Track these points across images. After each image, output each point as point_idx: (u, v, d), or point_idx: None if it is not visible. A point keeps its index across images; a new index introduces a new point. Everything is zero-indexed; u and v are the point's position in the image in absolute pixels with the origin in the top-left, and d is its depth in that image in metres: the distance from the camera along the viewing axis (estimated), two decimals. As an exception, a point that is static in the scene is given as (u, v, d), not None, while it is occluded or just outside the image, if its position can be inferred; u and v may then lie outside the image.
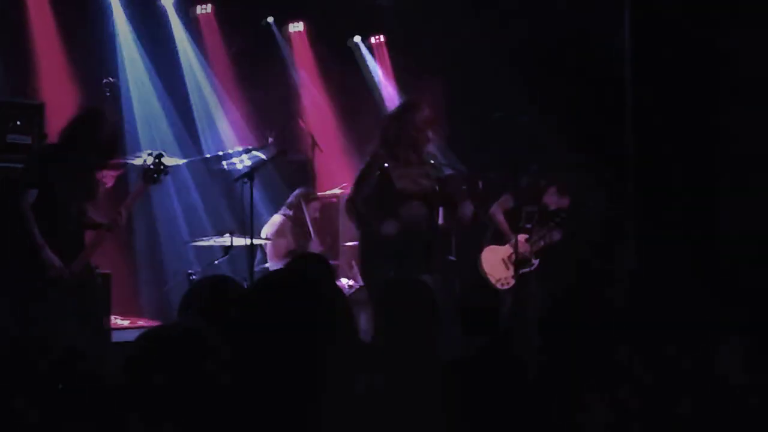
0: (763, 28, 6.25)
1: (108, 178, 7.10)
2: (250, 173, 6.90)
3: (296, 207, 8.12)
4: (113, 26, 8.31)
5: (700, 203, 6.71)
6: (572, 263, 7.07)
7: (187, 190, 8.62)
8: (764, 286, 5.45)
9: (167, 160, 5.72)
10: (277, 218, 8.13)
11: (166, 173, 5.69)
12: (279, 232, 8.00)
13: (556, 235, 7.25)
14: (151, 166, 5.60)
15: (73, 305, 5.30)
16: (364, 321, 7.20)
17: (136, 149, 7.49)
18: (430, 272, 6.23)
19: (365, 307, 7.19)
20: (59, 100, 7.40)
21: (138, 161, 6.50)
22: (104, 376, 2.88)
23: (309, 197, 8.18)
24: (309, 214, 8.07)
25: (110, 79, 7.53)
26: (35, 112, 6.48)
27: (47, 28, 7.80)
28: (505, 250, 7.31)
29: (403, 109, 6.37)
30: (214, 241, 7.37)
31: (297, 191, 8.23)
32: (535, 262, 7.28)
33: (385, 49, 10.09)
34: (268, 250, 7.98)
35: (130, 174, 7.35)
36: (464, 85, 8.56)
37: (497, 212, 7.40)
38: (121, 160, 7.18)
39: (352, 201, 6.25)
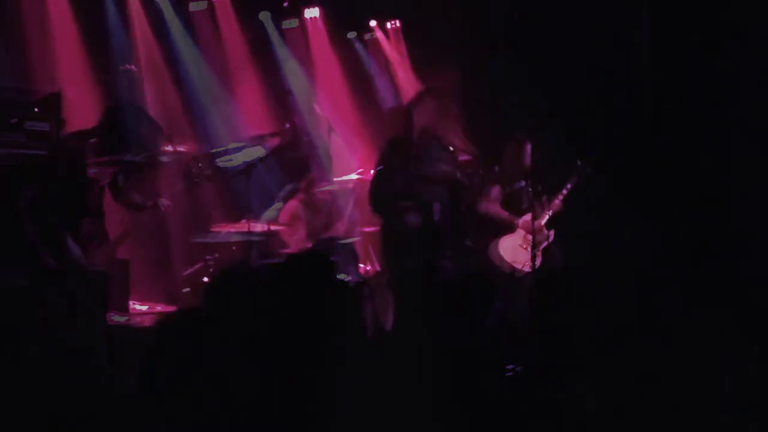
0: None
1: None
2: (260, 161, 6.94)
3: (307, 192, 8.17)
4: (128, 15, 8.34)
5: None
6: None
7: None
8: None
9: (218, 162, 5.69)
10: (291, 204, 8.16)
11: (208, 179, 5.69)
12: (294, 218, 8.03)
13: (557, 205, 7.26)
14: (193, 170, 5.62)
15: (76, 297, 5.31)
16: (381, 307, 7.25)
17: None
18: (448, 257, 6.31)
19: (381, 293, 7.24)
20: (76, 87, 7.45)
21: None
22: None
23: (318, 182, 8.23)
24: (317, 198, 8.12)
25: (129, 66, 7.56)
26: (53, 100, 6.52)
27: (64, 15, 7.82)
28: (518, 234, 7.31)
29: (420, 97, 6.44)
30: (232, 228, 7.41)
31: (305, 176, 8.28)
32: (551, 233, 7.29)
33: (400, 35, 10.09)
34: (285, 236, 7.99)
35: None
36: (480, 72, 8.53)
37: (489, 206, 7.35)
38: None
39: (376, 185, 6.33)
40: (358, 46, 9.96)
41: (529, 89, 7.59)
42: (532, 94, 7.60)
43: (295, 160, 8.66)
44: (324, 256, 4.13)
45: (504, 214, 7.33)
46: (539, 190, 7.21)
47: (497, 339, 4.17)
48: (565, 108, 7.65)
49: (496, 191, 7.36)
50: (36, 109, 6.32)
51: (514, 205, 7.35)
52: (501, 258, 7.29)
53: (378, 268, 8.04)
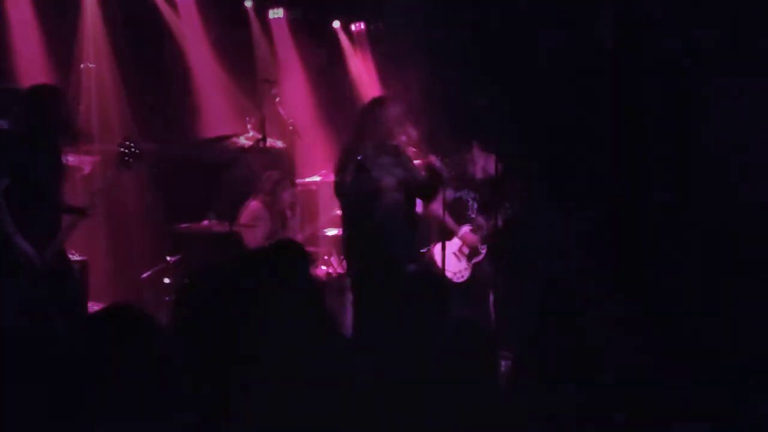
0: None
1: (85, 164, 7.03)
2: (229, 160, 6.88)
3: (271, 193, 8.02)
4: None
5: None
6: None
7: (166, 175, 8.52)
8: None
9: (142, 146, 5.60)
10: (253, 204, 8.03)
11: (140, 159, 5.56)
12: (256, 219, 7.91)
13: (499, 221, 7.25)
14: (124, 151, 5.48)
15: (47, 292, 5.23)
16: (340, 309, 7.23)
17: (113, 135, 7.39)
18: (413, 261, 6.35)
19: (344, 295, 7.21)
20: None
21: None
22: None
23: (283, 183, 8.08)
24: (283, 200, 8.00)
25: (88, 64, 7.45)
26: (12, 96, 6.41)
27: (24, 10, 7.70)
28: (455, 243, 7.36)
29: (375, 103, 6.49)
30: (194, 227, 7.32)
31: (270, 176, 8.11)
32: (483, 249, 7.34)
33: (364, 38, 10.07)
34: (245, 236, 7.89)
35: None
36: (443, 75, 8.52)
37: (436, 209, 7.32)
38: (97, 146, 7.12)
39: (339, 188, 6.32)
40: (322, 47, 9.91)
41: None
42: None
43: (274, 152, 8.56)
44: (301, 247, 3.99)
45: (448, 220, 7.33)
46: (486, 203, 7.26)
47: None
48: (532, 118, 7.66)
49: (446, 194, 7.33)
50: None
51: (458, 212, 7.40)
52: (434, 263, 7.30)
53: (339, 271, 7.99)
